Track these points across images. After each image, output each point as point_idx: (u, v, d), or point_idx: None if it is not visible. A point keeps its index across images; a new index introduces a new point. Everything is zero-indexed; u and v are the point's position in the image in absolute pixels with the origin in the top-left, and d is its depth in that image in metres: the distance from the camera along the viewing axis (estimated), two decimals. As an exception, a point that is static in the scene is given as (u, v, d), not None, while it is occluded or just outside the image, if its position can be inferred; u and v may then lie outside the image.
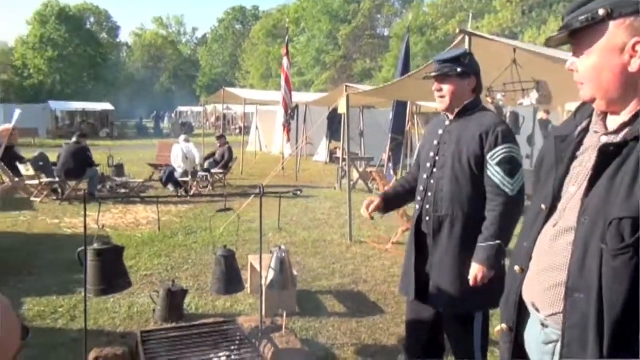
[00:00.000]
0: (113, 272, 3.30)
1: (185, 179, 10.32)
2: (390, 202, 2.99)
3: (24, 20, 57.36)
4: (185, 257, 6.13)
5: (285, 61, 12.03)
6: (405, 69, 10.01)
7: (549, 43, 1.48)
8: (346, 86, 11.40)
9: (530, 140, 10.46)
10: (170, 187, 10.52)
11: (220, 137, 12.28)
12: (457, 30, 4.84)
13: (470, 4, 33.72)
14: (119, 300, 4.62)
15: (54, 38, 47.65)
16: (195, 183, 10.57)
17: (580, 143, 1.45)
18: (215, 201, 10.00)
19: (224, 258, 3.60)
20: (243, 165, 14.34)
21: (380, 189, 7.05)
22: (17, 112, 2.64)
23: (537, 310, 1.45)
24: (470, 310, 2.67)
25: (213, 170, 11.31)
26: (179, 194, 10.14)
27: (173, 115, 46.00)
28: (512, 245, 5.10)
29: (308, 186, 11.86)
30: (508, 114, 7.31)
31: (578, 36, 1.35)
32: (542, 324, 1.44)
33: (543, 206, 1.47)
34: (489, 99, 5.27)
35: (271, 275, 3.78)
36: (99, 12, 58.85)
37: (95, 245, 3.29)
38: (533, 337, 1.50)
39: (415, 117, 11.67)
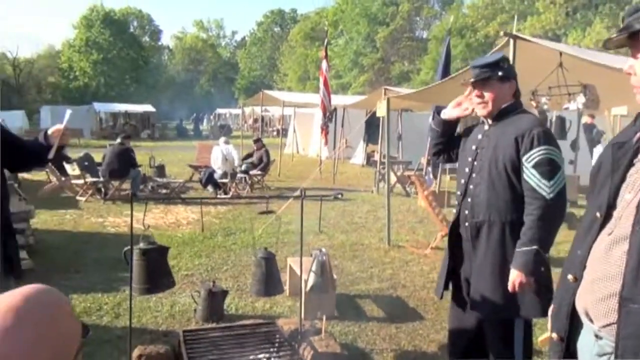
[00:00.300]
0: (157, 272, 3.37)
1: (224, 180, 10.47)
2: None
3: (70, 25, 59.23)
4: (224, 258, 6.21)
5: (324, 64, 12.07)
6: (446, 72, 9.88)
7: (607, 44, 1.45)
8: (385, 89, 11.41)
9: (574, 145, 10.18)
10: (210, 188, 10.68)
11: (257, 141, 12.41)
12: (502, 33, 4.76)
13: (512, 5, 33.06)
14: (161, 299, 4.71)
15: (98, 41, 49.07)
16: (234, 184, 10.69)
17: (638, 150, 1.41)
18: (254, 202, 10.11)
19: (264, 260, 3.63)
20: (280, 167, 14.43)
21: (420, 193, 6.98)
22: (68, 113, 2.69)
23: (591, 320, 1.41)
24: (510, 317, 2.62)
25: (251, 172, 11.43)
26: (219, 195, 10.28)
27: (212, 117, 46.73)
28: (559, 252, 4.97)
29: (345, 189, 11.85)
30: (554, 118, 7.12)
31: (638, 38, 1.31)
32: (596, 335, 1.40)
33: (598, 214, 1.43)
34: (534, 103, 5.16)
35: (311, 278, 3.79)
36: (142, 16, 60.33)
37: (141, 245, 3.37)
38: (586, 348, 1.46)
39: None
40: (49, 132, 2.63)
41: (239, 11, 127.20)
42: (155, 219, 8.29)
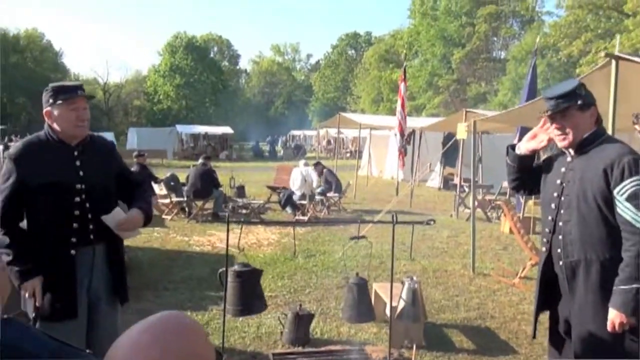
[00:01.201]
0: (251, 294, 3.42)
1: (303, 202, 10.57)
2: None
3: (156, 51, 62.78)
4: (306, 280, 6.23)
5: (402, 86, 12.01)
6: (532, 93, 9.55)
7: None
8: (466, 111, 11.18)
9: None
10: (289, 210, 10.82)
11: (317, 165, 12.30)
12: (603, 54, 4.52)
13: (597, 23, 31.60)
14: (248, 320, 4.76)
15: (181, 66, 51.69)
16: (311, 206, 10.77)
17: None
18: (331, 224, 10.14)
19: (356, 286, 3.59)
20: (356, 189, 14.40)
21: (508, 220, 6.72)
22: (116, 212, 2.74)
23: None
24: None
25: (329, 194, 11.47)
26: (297, 217, 10.38)
27: (283, 138, 47.64)
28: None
29: (422, 213, 11.64)
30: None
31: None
32: None
33: None
34: (637, 127, 4.85)
35: (401, 305, 3.71)
36: (222, 41, 63.07)
37: (236, 267, 3.43)
38: None
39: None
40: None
41: (314, 35, 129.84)
42: (236, 239, 8.46)
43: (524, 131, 10.49)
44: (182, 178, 11.60)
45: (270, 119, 66.15)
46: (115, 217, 2.59)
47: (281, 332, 4.41)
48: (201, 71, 52.57)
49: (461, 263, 7.21)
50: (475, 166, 14.50)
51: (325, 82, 65.00)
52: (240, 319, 4.77)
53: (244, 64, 76.05)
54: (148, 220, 2.74)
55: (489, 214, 11.26)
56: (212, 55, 59.39)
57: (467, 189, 12.12)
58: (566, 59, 33.13)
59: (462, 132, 9.37)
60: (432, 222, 3.72)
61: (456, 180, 12.71)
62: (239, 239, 3.59)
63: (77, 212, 2.53)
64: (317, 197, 11.17)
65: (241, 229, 3.70)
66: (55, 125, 2.53)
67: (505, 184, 11.89)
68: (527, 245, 6.19)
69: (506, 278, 6.43)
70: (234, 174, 14.40)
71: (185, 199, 10.34)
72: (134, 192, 2.80)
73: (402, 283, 3.79)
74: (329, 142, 37.62)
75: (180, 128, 33.55)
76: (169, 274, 6.37)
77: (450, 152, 15.09)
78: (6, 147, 10.38)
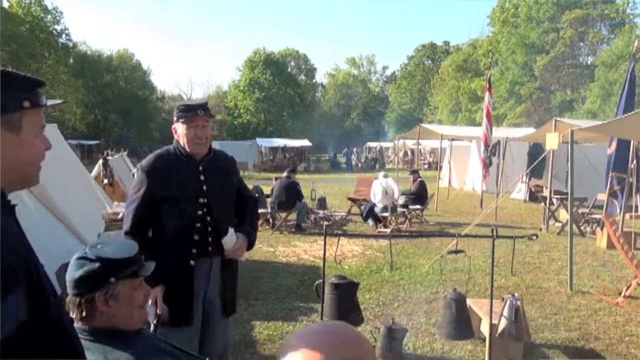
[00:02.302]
0: (348, 306, 3.41)
1: (384, 214, 10.48)
2: None
3: (236, 67, 65.04)
4: (394, 294, 6.15)
5: (487, 96, 11.69)
6: (630, 100, 8.99)
7: None
8: (556, 121, 10.70)
9: None
10: (370, 222, 10.76)
11: (414, 172, 12.33)
12: None
13: (699, 23, 29.38)
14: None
15: (260, 81, 53.18)
16: (393, 218, 10.66)
17: None
18: (414, 237, 9.97)
19: (454, 302, 3.49)
20: (437, 202, 14.11)
21: (611, 235, 6.33)
22: (230, 233, 2.84)
23: None
24: None
25: (411, 206, 11.32)
26: (379, 229, 10.31)
27: (355, 150, 47.63)
28: None
29: (508, 226, 11.23)
30: None
31: None
32: None
33: None
34: None
35: (502, 323, 3.56)
36: (299, 56, 64.30)
37: (333, 279, 3.44)
38: None
39: (640, 153, 10.34)
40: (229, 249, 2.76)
41: (390, 46, 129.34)
42: (321, 251, 8.50)
43: (623, 144, 9.86)
44: (264, 189, 11.87)
45: (346, 131, 66.47)
46: (228, 242, 2.69)
47: (373, 346, 4.36)
48: (279, 85, 53.83)
49: (556, 280, 6.85)
50: (563, 177, 13.84)
51: (401, 94, 64.49)
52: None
53: (320, 77, 77.14)
54: (251, 246, 2.88)
55: (582, 228, 10.65)
56: (289, 69, 60.66)
57: (555, 202, 11.55)
58: (663, 63, 30.95)
59: (552, 142, 8.96)
60: (534, 237, 3.57)
61: (545, 193, 12.14)
62: (336, 252, 3.58)
63: (198, 225, 2.64)
64: (400, 209, 11.04)
65: (338, 241, 3.71)
66: (180, 141, 2.68)
67: (600, 196, 11.25)
68: (632, 262, 5.80)
69: (608, 296, 6.03)
70: (315, 185, 14.56)
71: (269, 210, 10.55)
72: (245, 212, 2.92)
73: (503, 300, 3.64)
74: (405, 153, 37.24)
75: (260, 141, 34.45)
76: (258, 284, 6.49)
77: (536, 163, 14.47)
78: (105, 161, 11.05)
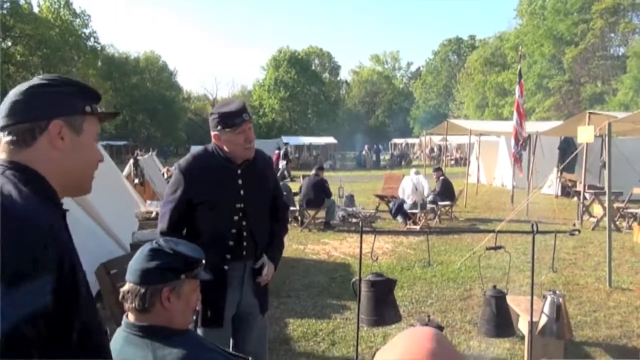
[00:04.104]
0: (385, 304, 3.37)
1: (414, 210, 10.40)
2: None
3: (260, 67, 65.36)
4: (427, 291, 6.08)
5: (517, 90, 11.48)
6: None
7: None
8: (589, 113, 10.43)
9: None
10: (399, 218, 10.69)
11: (438, 170, 12.19)
12: None
13: None
14: (373, 330, 4.72)
15: (285, 80, 53.37)
16: (423, 215, 10.56)
17: None
18: (444, 233, 9.87)
19: (494, 299, 3.43)
20: (466, 198, 13.93)
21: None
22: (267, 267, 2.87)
23: None
24: None
25: (440, 203, 11.20)
26: (409, 226, 10.23)
27: (375, 147, 47.29)
28: None
29: (540, 222, 10.91)
30: None
31: None
32: None
33: None
34: None
35: (543, 321, 3.49)
36: (323, 54, 64.31)
37: (369, 277, 3.41)
38: None
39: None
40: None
41: (414, 42, 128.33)
42: (351, 248, 8.51)
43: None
44: (293, 187, 11.89)
45: (371, 128, 66.19)
46: (263, 273, 2.73)
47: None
48: (304, 84, 53.96)
49: (594, 276, 6.70)
50: (595, 172, 13.51)
51: (426, 89, 63.95)
52: (365, 328, 4.76)
53: (344, 74, 76.96)
54: (274, 269, 2.83)
55: (618, 223, 10.39)
56: (313, 67, 60.71)
57: (588, 197, 11.28)
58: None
59: (587, 135, 8.76)
60: (576, 232, 3.49)
61: (578, 187, 11.88)
62: (372, 249, 3.55)
63: (233, 231, 2.61)
64: (429, 206, 10.93)
65: (374, 238, 3.66)
66: (224, 147, 2.60)
67: (636, 190, 10.97)
68: (674, 258, 5.62)
69: (649, 293, 5.87)
70: (342, 183, 14.52)
71: (298, 208, 10.56)
72: (275, 225, 2.86)
73: (544, 297, 3.56)
74: (432, 149, 36.92)
75: (285, 139, 34.56)
76: (290, 282, 6.49)
77: (567, 157, 14.16)
78: (136, 161, 11.21)
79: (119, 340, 1.65)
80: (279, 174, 10.87)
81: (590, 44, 39.70)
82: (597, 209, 11.13)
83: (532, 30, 42.65)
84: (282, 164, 18.66)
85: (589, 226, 10.38)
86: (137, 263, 1.64)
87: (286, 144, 25.66)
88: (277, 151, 23.80)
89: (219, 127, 2.56)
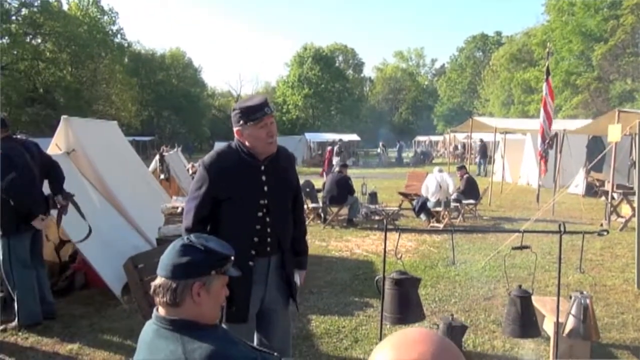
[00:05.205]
0: (409, 302, 3.38)
1: (437, 208, 10.33)
2: None
3: (284, 64, 65.55)
4: (450, 290, 6.05)
5: (544, 87, 11.31)
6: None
7: None
8: (619, 111, 10.23)
9: None
10: (423, 216, 10.63)
11: (461, 168, 12.09)
12: None
13: None
14: (395, 328, 4.71)
15: (309, 77, 53.43)
16: (446, 213, 10.49)
17: None
18: (468, 232, 9.78)
19: (520, 299, 3.41)
20: (491, 196, 13.77)
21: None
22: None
23: None
24: None
25: (464, 201, 11.10)
26: (432, 224, 10.18)
27: (397, 145, 47.00)
28: None
29: (567, 222, 10.74)
30: None
31: None
32: None
33: None
34: None
35: (570, 322, 3.45)
36: (347, 50, 64.17)
37: (394, 275, 3.41)
38: None
39: None
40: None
41: (439, 39, 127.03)
42: (374, 245, 8.51)
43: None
44: (316, 184, 11.91)
45: (394, 125, 65.85)
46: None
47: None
48: (328, 80, 53.96)
49: (622, 277, 6.58)
50: (631, 171, 13.22)
51: (451, 86, 63.33)
52: (388, 325, 4.76)
53: (368, 71, 76.65)
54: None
55: (647, 224, 10.16)
56: (337, 64, 60.63)
57: (616, 196, 11.06)
58: None
59: (616, 134, 8.60)
60: (605, 233, 3.44)
61: (607, 187, 11.66)
62: (396, 247, 3.55)
63: (258, 227, 2.64)
64: (453, 204, 10.85)
65: (399, 236, 3.67)
66: (246, 142, 2.62)
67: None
68: None
69: (679, 296, 5.75)
70: (365, 180, 14.50)
71: (321, 205, 10.58)
72: (295, 230, 2.90)
73: (570, 298, 3.52)
74: (455, 147, 36.55)
75: (308, 136, 34.62)
76: (312, 278, 6.50)
77: (595, 156, 13.90)
78: (162, 157, 11.37)
79: (149, 333, 1.69)
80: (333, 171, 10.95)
81: (620, 40, 38.83)
82: (625, 209, 10.92)
83: (561, 26, 41.88)
84: (335, 160, 18.62)
85: (616, 227, 10.17)
86: (168, 258, 1.68)
87: (340, 140, 25.54)
88: (329, 147, 23.97)
89: (241, 122, 2.57)
